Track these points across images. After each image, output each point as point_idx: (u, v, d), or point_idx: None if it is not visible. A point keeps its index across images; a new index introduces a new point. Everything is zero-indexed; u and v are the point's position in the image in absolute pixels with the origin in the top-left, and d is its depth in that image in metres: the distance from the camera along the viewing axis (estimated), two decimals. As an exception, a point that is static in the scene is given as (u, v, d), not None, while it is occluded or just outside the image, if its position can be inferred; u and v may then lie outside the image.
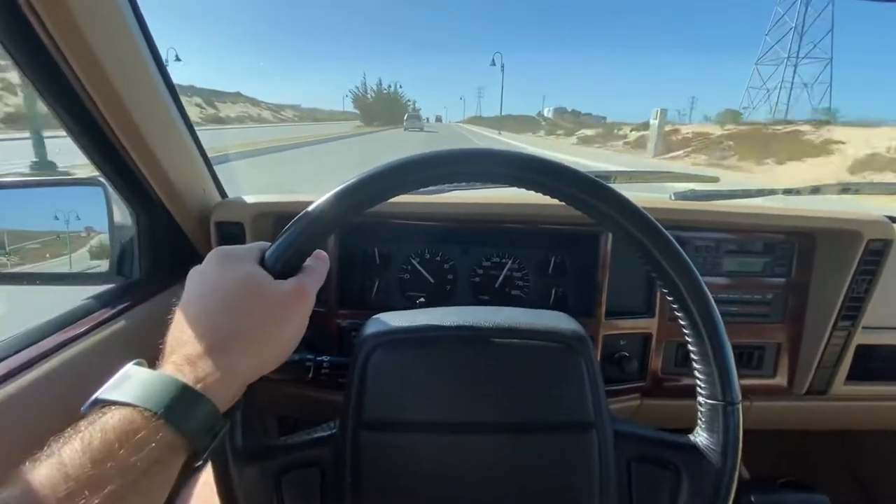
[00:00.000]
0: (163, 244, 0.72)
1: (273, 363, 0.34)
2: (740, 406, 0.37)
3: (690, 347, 0.38)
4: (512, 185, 0.37)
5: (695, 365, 0.38)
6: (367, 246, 0.82)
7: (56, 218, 0.70)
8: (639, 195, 0.75)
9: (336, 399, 0.42)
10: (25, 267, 0.71)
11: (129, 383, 0.27)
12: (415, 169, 0.35)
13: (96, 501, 0.22)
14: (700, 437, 0.38)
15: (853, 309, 0.73)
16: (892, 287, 0.74)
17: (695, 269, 0.36)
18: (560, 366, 0.39)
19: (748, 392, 0.79)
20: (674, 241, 0.36)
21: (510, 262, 0.84)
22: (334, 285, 0.73)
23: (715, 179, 0.87)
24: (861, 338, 0.75)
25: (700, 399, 0.38)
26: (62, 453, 0.23)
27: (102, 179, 0.66)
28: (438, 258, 0.83)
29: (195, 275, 0.36)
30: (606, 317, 0.74)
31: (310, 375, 0.55)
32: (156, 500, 0.26)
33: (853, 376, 0.78)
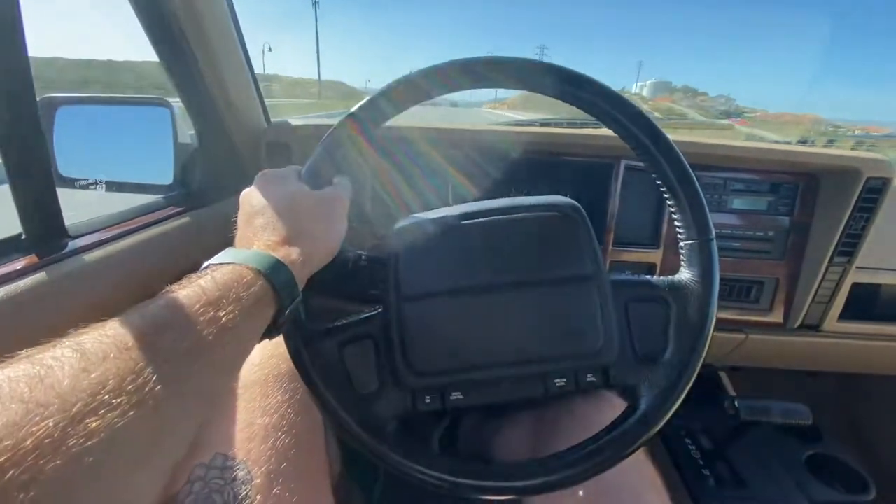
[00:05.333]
0: (220, 161, 0.81)
1: (329, 254, 0.42)
2: (714, 241, 0.43)
3: (668, 202, 0.44)
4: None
5: (673, 216, 0.44)
6: (397, 177, 0.90)
7: (127, 132, 0.80)
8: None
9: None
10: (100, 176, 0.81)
11: (232, 254, 0.35)
12: (409, 84, 0.43)
13: (222, 314, 0.29)
14: (684, 274, 0.44)
15: (849, 245, 0.76)
16: (889, 229, 0.78)
17: (666, 135, 0.42)
18: (559, 231, 0.46)
19: (744, 325, 0.85)
20: (650, 117, 0.42)
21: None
22: (368, 208, 0.82)
23: (730, 127, 0.90)
24: (856, 276, 0.79)
25: (681, 243, 0.44)
26: (199, 281, 0.31)
27: (170, 101, 0.76)
28: (462, 191, 0.91)
29: (249, 194, 0.43)
30: (614, 245, 0.80)
31: (350, 265, 0.63)
32: (253, 333, 0.33)
33: (847, 315, 0.82)
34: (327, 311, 0.47)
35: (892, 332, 0.85)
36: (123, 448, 0.21)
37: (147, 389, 0.23)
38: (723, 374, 1.11)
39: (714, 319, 0.42)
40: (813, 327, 0.83)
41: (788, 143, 0.90)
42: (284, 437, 0.49)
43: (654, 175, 0.44)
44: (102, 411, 0.20)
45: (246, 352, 0.33)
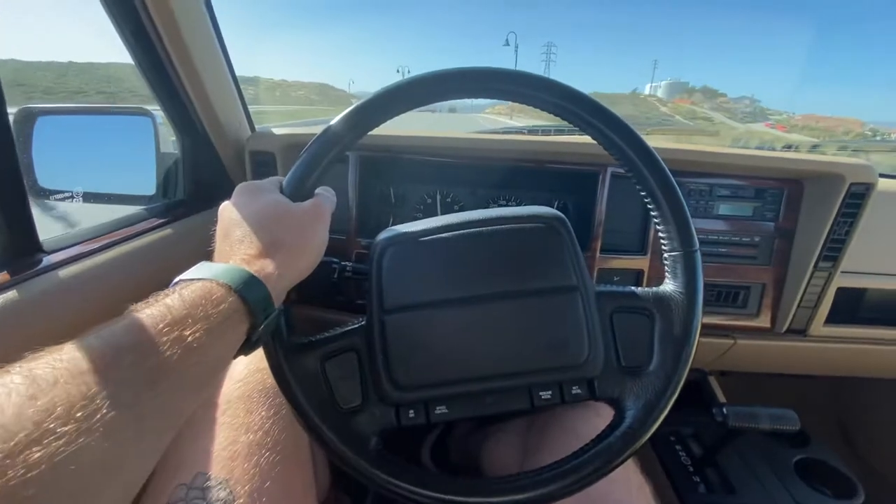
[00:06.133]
0: (203, 170, 0.80)
1: (308, 267, 0.41)
2: (699, 252, 0.43)
3: (652, 213, 0.44)
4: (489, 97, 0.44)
5: (657, 227, 0.44)
6: (384, 186, 0.90)
7: (108, 143, 0.79)
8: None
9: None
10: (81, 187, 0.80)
11: (204, 269, 0.34)
12: (395, 93, 0.42)
13: (187, 333, 0.28)
14: (668, 285, 0.44)
15: (834, 251, 0.77)
16: (873, 234, 0.79)
17: (650, 146, 0.42)
18: (544, 242, 0.45)
19: (732, 330, 0.85)
20: (630, 125, 0.42)
21: (515, 204, 0.91)
22: (354, 217, 0.81)
23: (716, 133, 0.91)
24: (841, 281, 0.80)
25: (665, 255, 0.44)
26: (165, 300, 0.29)
27: (151, 110, 0.75)
28: (449, 199, 0.91)
29: (227, 207, 0.42)
30: (601, 252, 0.80)
31: (335, 276, 0.62)
32: (224, 351, 0.32)
33: (833, 319, 0.82)
34: (310, 323, 0.46)
35: (877, 336, 0.85)
36: (69, 477, 0.20)
37: (98, 416, 0.22)
38: (712, 379, 1.11)
39: (698, 331, 0.42)
40: (800, 331, 0.84)
41: (773, 148, 0.90)
42: (269, 454, 0.48)
43: (637, 186, 0.44)
44: (47, 440, 0.20)
45: (216, 370, 0.32)
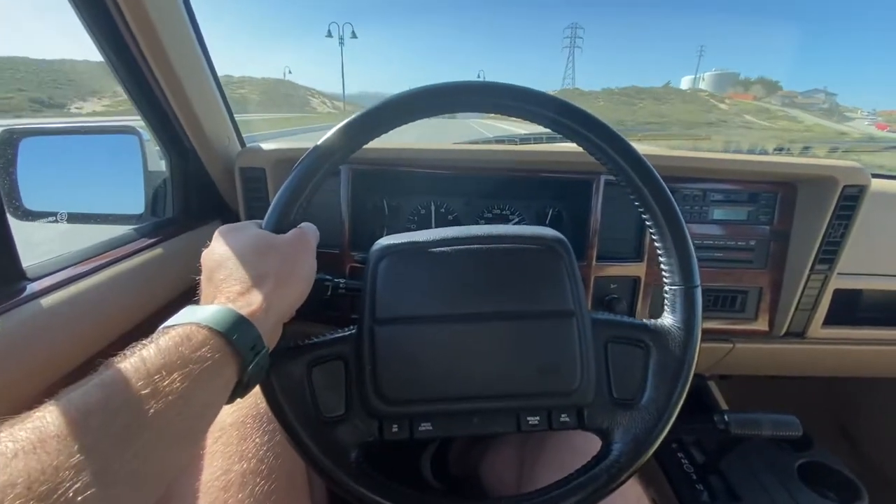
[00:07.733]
0: (192, 188, 0.79)
1: (298, 298, 0.40)
2: (699, 289, 0.42)
3: (656, 244, 0.43)
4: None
5: (660, 259, 0.44)
6: (377, 198, 0.89)
7: (95, 162, 0.78)
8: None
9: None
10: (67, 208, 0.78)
11: (187, 313, 0.33)
12: (381, 112, 0.41)
13: (165, 383, 0.27)
14: (666, 319, 0.44)
15: (829, 253, 0.77)
16: (868, 234, 0.79)
17: (658, 175, 0.42)
18: (543, 264, 0.45)
19: (731, 335, 0.85)
20: (637, 150, 0.41)
21: (510, 213, 0.90)
22: (347, 230, 0.80)
23: (707, 138, 0.91)
24: (838, 283, 0.80)
25: (666, 287, 0.44)
26: (141, 352, 0.28)
27: (138, 128, 0.74)
28: (443, 210, 0.90)
29: (208, 252, 0.41)
30: (597, 260, 0.79)
31: (328, 293, 0.61)
32: (211, 397, 0.31)
33: (830, 320, 0.82)
34: (302, 338, 0.45)
35: (875, 336, 0.85)
36: None
37: (62, 489, 0.20)
38: (712, 384, 1.11)
39: (693, 368, 0.42)
40: (798, 334, 0.84)
41: (765, 151, 0.90)
42: (264, 483, 0.47)
43: (644, 216, 0.43)
44: None
45: (204, 417, 0.31)
